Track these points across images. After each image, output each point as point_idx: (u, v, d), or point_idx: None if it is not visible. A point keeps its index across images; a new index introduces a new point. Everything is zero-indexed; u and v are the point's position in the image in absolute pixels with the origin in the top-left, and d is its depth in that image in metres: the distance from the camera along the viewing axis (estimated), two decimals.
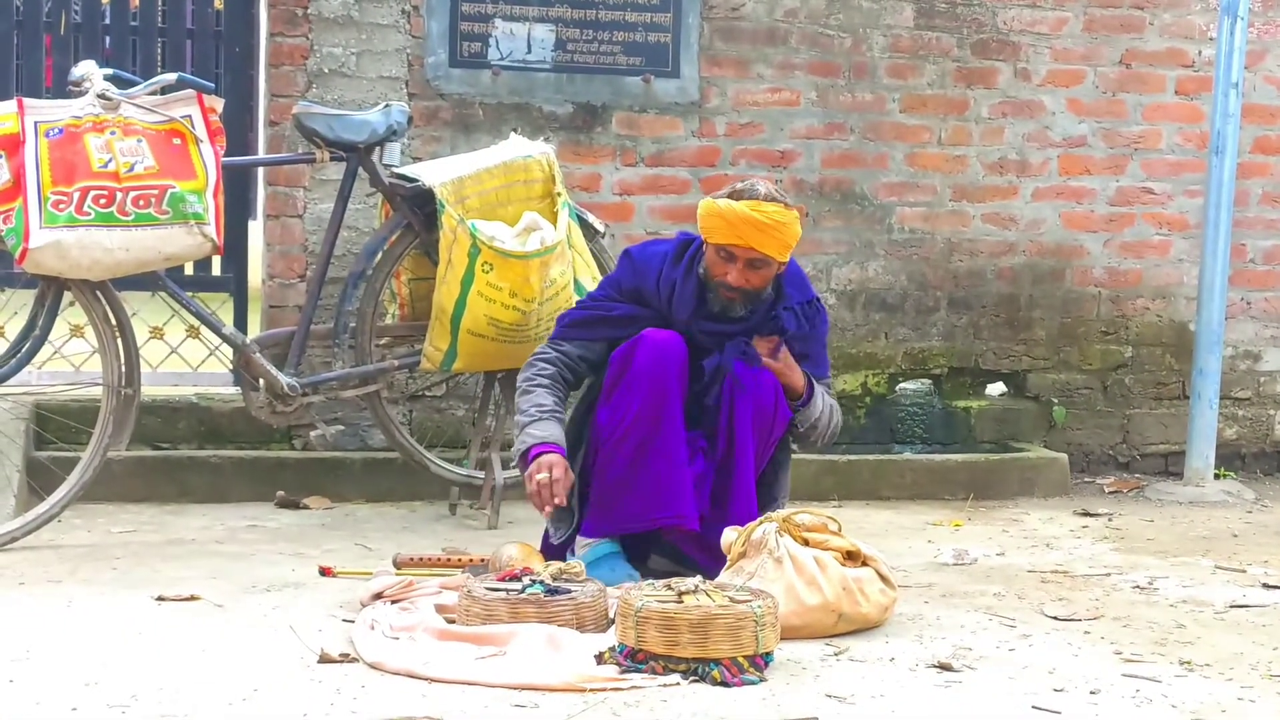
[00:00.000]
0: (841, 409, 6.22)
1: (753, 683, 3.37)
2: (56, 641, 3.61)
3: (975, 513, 5.70)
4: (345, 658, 3.51)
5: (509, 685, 3.32)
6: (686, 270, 4.26)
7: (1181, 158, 6.56)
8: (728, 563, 3.94)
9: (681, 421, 4.17)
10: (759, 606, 3.45)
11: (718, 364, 4.19)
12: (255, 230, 6.34)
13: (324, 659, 3.49)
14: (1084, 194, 6.51)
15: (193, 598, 4.06)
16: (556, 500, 4.11)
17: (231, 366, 5.53)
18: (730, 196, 4.16)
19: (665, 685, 3.35)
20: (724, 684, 3.36)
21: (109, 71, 4.72)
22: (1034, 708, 3.29)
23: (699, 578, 3.68)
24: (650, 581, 3.69)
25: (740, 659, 3.41)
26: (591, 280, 5.10)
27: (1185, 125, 6.55)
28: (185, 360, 6.02)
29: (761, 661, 3.44)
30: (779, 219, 4.13)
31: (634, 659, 3.45)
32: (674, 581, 3.65)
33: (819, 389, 4.38)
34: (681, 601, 3.48)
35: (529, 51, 6.03)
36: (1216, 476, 6.26)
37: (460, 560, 4.39)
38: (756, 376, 4.22)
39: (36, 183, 4.47)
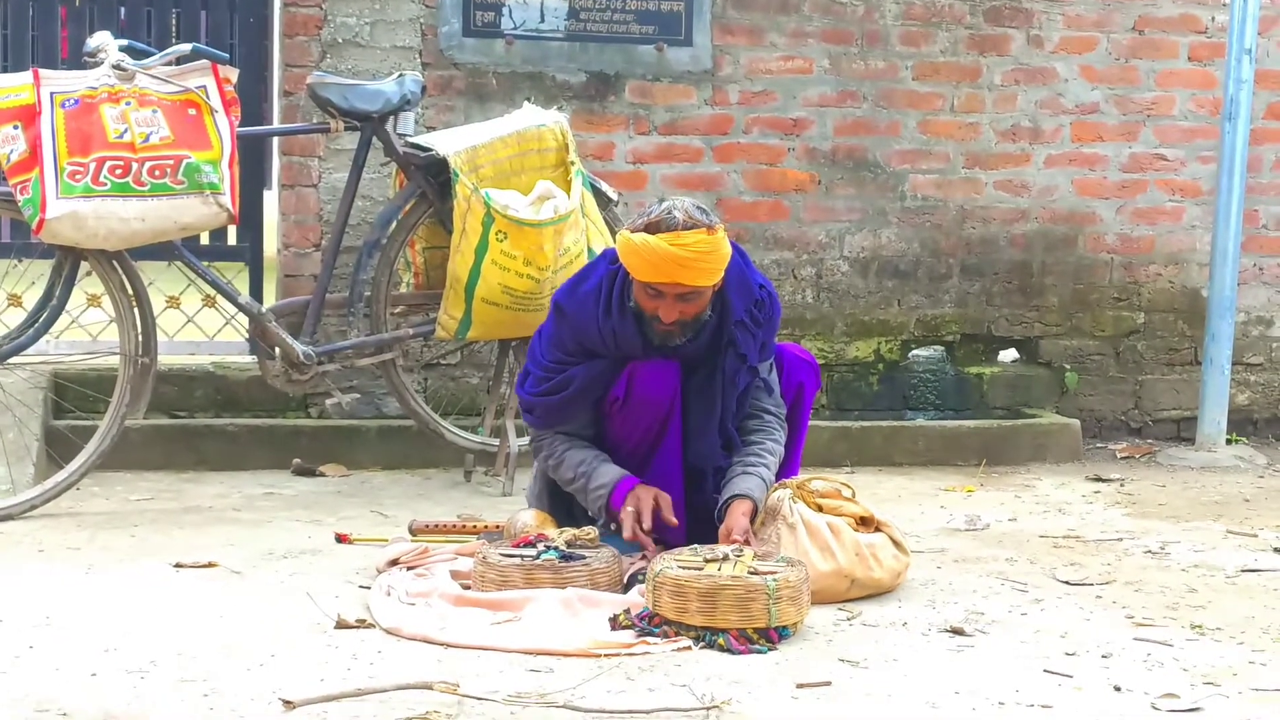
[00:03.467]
0: (854, 376, 6.32)
1: (761, 651, 3.37)
2: (76, 608, 3.62)
3: (988, 478, 5.70)
4: (362, 623, 3.52)
5: (524, 650, 3.33)
6: (620, 311, 3.95)
7: (1194, 124, 6.53)
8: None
9: (679, 443, 4.05)
10: (774, 581, 3.44)
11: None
12: (270, 200, 6.34)
13: (341, 625, 3.50)
14: (1096, 161, 6.49)
15: (210, 564, 4.08)
16: (665, 519, 3.91)
17: (247, 335, 5.54)
18: (647, 229, 3.79)
19: (678, 650, 3.36)
20: (730, 651, 3.36)
21: (124, 42, 4.72)
22: (1046, 671, 3.29)
23: (735, 546, 3.67)
24: (694, 547, 3.70)
25: (750, 631, 3.40)
26: (604, 248, 5.09)
27: (1198, 91, 6.52)
28: (201, 329, 6.02)
29: (776, 635, 3.42)
30: (702, 249, 3.77)
31: (650, 622, 3.46)
32: (701, 548, 3.66)
33: (759, 490, 3.96)
34: (702, 569, 3.48)
35: (542, 20, 6.01)
36: (1228, 442, 6.25)
37: (475, 527, 4.40)
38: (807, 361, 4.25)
39: (53, 153, 4.47)
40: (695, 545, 3.73)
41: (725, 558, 3.56)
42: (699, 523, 4.02)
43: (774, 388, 4.15)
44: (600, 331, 3.98)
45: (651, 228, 3.81)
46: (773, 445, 4.08)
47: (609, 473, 3.99)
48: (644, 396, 3.99)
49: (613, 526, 3.97)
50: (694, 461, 4.06)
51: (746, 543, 3.81)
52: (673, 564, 3.52)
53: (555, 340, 4.06)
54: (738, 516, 3.89)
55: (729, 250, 3.89)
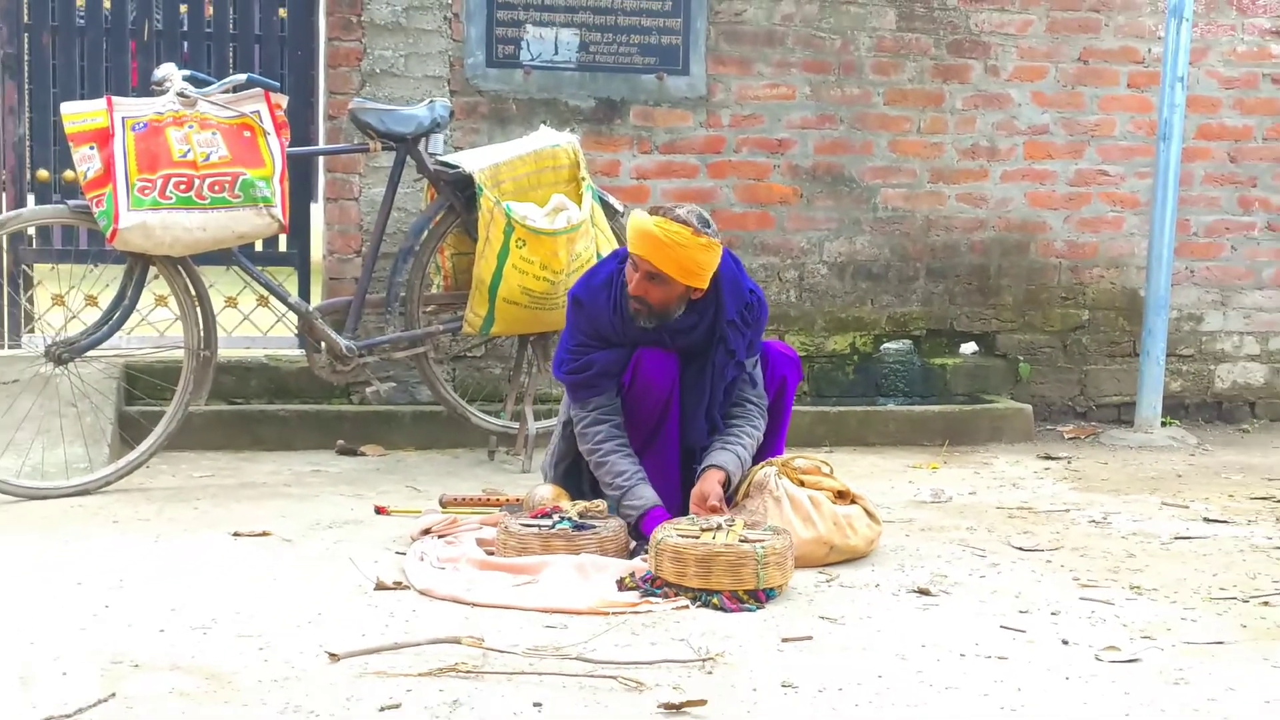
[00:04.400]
0: (832, 366, 6.32)
1: (750, 610, 3.37)
2: (146, 572, 3.63)
3: (950, 457, 5.70)
4: (398, 585, 3.52)
5: (541, 609, 3.33)
6: (625, 300, 3.96)
7: (1133, 143, 6.53)
8: (734, 502, 3.94)
9: (678, 426, 4.04)
10: (762, 548, 3.44)
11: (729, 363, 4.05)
12: (316, 212, 6.34)
13: (380, 587, 3.51)
14: (1046, 176, 6.48)
15: (264, 533, 4.08)
16: None
17: (296, 331, 5.54)
18: (650, 210, 3.88)
19: (677, 608, 3.36)
20: (723, 609, 3.37)
21: (187, 73, 4.72)
22: (1002, 627, 3.30)
23: (728, 516, 3.67)
24: (691, 517, 3.70)
25: (740, 592, 3.41)
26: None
27: (1136, 115, 6.51)
28: (256, 326, 6.03)
29: (764, 595, 3.43)
30: (677, 239, 3.78)
31: (653, 584, 3.47)
32: (698, 519, 3.66)
33: (733, 464, 3.96)
34: (698, 537, 3.49)
35: (556, 53, 6.01)
36: (1163, 424, 6.24)
37: (498, 500, 4.40)
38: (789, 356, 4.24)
39: (124, 171, 4.48)
40: (692, 516, 3.74)
41: (719, 527, 3.56)
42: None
43: (758, 381, 4.15)
44: (611, 321, 4.00)
45: (654, 210, 3.89)
46: (750, 429, 4.07)
47: (644, 495, 3.92)
48: (648, 383, 3.99)
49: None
50: (687, 442, 4.07)
51: (718, 507, 3.82)
52: (673, 532, 3.53)
53: (575, 328, 4.08)
54: (711, 483, 3.89)
55: (711, 258, 3.87)
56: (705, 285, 3.92)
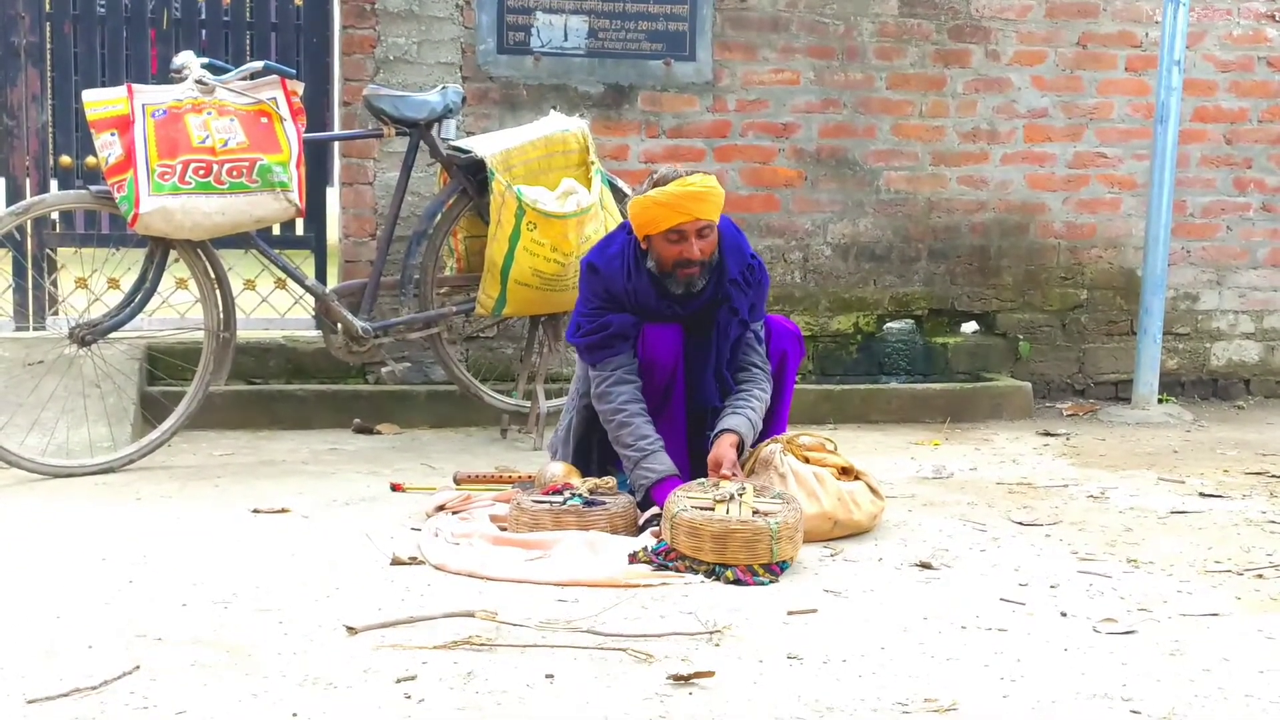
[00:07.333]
0: (836, 346, 6.31)
1: (764, 583, 3.38)
2: (168, 548, 3.64)
3: (952, 434, 5.69)
4: (414, 560, 3.53)
5: (554, 583, 3.34)
6: (637, 270, 4.00)
7: (1131, 126, 6.50)
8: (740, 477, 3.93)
9: (684, 398, 4.05)
10: (776, 523, 3.44)
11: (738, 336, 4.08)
12: (332, 196, 6.34)
13: (395, 562, 3.52)
14: (1046, 158, 6.46)
15: (283, 510, 4.09)
16: None
17: (313, 313, 5.54)
18: (656, 186, 3.90)
19: (687, 583, 3.36)
20: (737, 582, 3.37)
21: (205, 60, 4.72)
22: (1002, 600, 3.30)
23: (741, 484, 3.67)
24: (701, 481, 3.71)
25: (755, 566, 3.41)
26: None
27: (1134, 98, 6.49)
28: (274, 308, 6.03)
29: (777, 568, 3.43)
30: (707, 185, 3.88)
31: (666, 557, 3.47)
32: (707, 483, 3.65)
33: (745, 426, 3.97)
34: (713, 510, 3.48)
35: (565, 39, 5.99)
36: (1160, 401, 6.23)
37: (511, 477, 4.41)
38: (793, 332, 4.22)
39: (145, 157, 4.47)
40: (702, 480, 3.74)
41: (731, 497, 3.55)
42: (702, 462, 4.01)
43: (763, 339, 4.17)
44: (625, 288, 4.02)
45: (660, 183, 3.91)
46: (759, 393, 4.08)
47: (663, 462, 3.93)
48: (652, 358, 4.00)
49: (638, 497, 3.95)
50: (696, 406, 4.08)
51: (732, 473, 3.81)
52: (688, 504, 3.52)
53: (591, 293, 4.09)
54: (725, 448, 3.89)
55: (723, 191, 3.97)
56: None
